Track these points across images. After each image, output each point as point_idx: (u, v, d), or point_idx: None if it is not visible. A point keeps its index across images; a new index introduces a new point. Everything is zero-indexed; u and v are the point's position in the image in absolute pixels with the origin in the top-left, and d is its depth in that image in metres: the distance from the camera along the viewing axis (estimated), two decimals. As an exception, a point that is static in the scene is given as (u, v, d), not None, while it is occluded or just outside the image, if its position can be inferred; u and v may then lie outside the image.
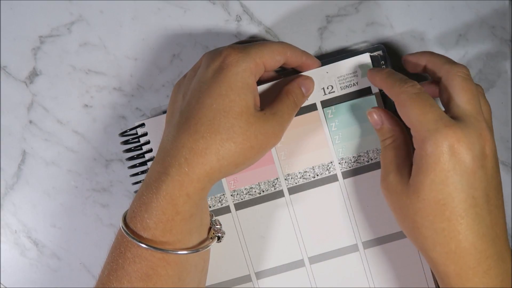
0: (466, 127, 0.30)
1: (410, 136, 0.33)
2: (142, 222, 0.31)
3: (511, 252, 0.31)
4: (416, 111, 0.31)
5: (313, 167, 0.39)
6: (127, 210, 0.33)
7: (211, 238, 0.35)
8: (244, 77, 0.32)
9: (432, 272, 0.39)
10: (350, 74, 0.38)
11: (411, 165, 0.32)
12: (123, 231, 0.31)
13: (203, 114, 0.31)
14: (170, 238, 0.31)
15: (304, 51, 0.37)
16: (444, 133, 0.29)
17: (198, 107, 0.31)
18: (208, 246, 0.34)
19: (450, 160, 0.29)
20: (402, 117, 0.32)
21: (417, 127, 0.31)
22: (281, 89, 0.36)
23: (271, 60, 0.34)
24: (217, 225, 0.36)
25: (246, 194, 0.39)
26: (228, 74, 0.31)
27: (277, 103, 0.34)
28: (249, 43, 0.35)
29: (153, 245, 0.30)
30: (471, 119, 0.30)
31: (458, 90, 0.32)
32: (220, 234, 0.35)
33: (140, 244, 0.30)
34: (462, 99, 0.31)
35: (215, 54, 0.33)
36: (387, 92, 0.34)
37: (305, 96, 0.37)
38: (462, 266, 0.30)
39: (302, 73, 0.38)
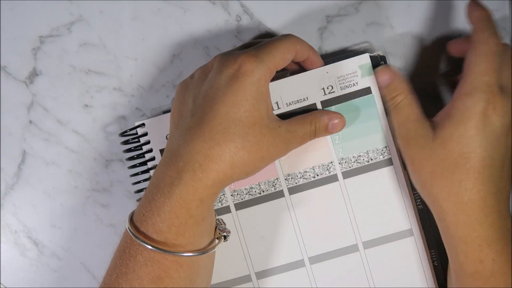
0: (507, 99, 0.32)
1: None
2: (155, 226, 0.31)
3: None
4: (481, 67, 0.32)
5: (313, 167, 0.39)
6: (133, 212, 0.33)
7: (217, 238, 0.35)
8: (259, 86, 0.32)
9: (431, 269, 0.39)
10: (350, 74, 0.38)
11: (427, 120, 0.34)
12: (132, 235, 0.31)
13: (218, 122, 0.31)
14: (183, 241, 0.31)
15: (311, 47, 0.37)
16: (488, 98, 0.31)
17: (213, 114, 0.31)
18: (218, 246, 0.34)
19: (483, 120, 0.32)
20: (466, 60, 0.34)
21: (471, 80, 0.32)
22: (309, 112, 0.36)
23: (283, 61, 0.34)
24: (221, 224, 0.36)
25: (246, 194, 0.39)
26: (243, 84, 0.31)
27: (298, 123, 0.35)
28: (259, 44, 0.34)
29: (166, 249, 0.30)
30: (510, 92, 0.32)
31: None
32: (226, 234, 0.35)
33: (154, 248, 0.30)
34: (507, 73, 0.33)
35: (229, 60, 0.33)
36: (473, 31, 0.35)
37: (328, 131, 0.37)
38: (470, 217, 0.32)
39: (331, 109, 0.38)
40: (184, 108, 0.34)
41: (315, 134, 0.36)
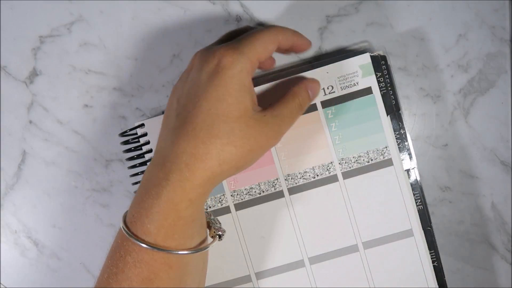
0: None
1: None
2: (143, 227, 0.30)
3: None
4: None
5: (313, 167, 0.39)
6: (126, 212, 0.33)
7: (212, 237, 0.34)
8: (241, 78, 0.31)
9: (431, 269, 0.39)
10: (351, 74, 0.38)
11: None
12: (125, 232, 0.31)
13: (201, 119, 0.30)
14: (172, 243, 0.31)
15: (295, 32, 0.35)
16: None
17: (196, 112, 0.31)
18: (212, 245, 0.34)
19: None
20: None
21: None
22: (287, 90, 0.35)
23: (265, 52, 0.33)
24: (217, 223, 0.36)
25: (246, 194, 0.39)
26: (224, 77, 0.31)
27: (281, 105, 0.34)
28: (240, 36, 0.34)
29: (155, 245, 0.30)
30: None
31: None
32: (221, 233, 0.35)
33: (143, 244, 0.30)
34: None
35: (208, 56, 0.32)
36: None
37: (310, 99, 0.36)
38: None
39: (306, 76, 0.37)
40: (170, 110, 0.34)
41: (301, 108, 0.35)
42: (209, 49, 0.33)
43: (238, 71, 0.31)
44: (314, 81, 0.37)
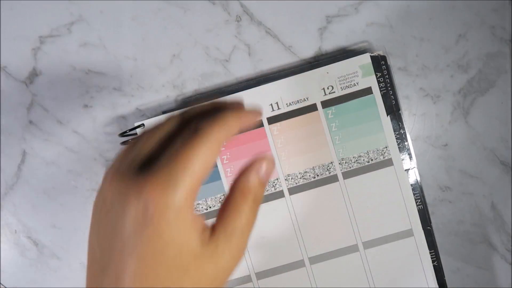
0: None
1: None
2: None
3: None
4: None
5: (313, 167, 0.39)
6: None
7: None
8: (179, 221, 0.22)
9: (431, 269, 0.39)
10: (351, 74, 0.38)
11: None
12: None
13: (137, 284, 0.22)
14: None
15: (238, 115, 0.25)
16: None
17: (128, 274, 0.22)
18: None
19: None
20: None
21: None
22: (232, 186, 0.25)
23: (207, 169, 0.24)
24: None
25: (246, 194, 0.39)
26: (157, 228, 0.22)
27: (232, 214, 0.25)
28: (165, 157, 0.23)
29: None
30: None
31: None
32: None
33: None
34: None
35: (129, 197, 0.22)
36: None
37: (265, 183, 0.26)
38: None
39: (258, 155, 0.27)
40: (93, 252, 0.25)
41: (257, 202, 0.26)
42: (129, 182, 0.23)
43: (175, 214, 0.22)
44: (264, 158, 0.26)
